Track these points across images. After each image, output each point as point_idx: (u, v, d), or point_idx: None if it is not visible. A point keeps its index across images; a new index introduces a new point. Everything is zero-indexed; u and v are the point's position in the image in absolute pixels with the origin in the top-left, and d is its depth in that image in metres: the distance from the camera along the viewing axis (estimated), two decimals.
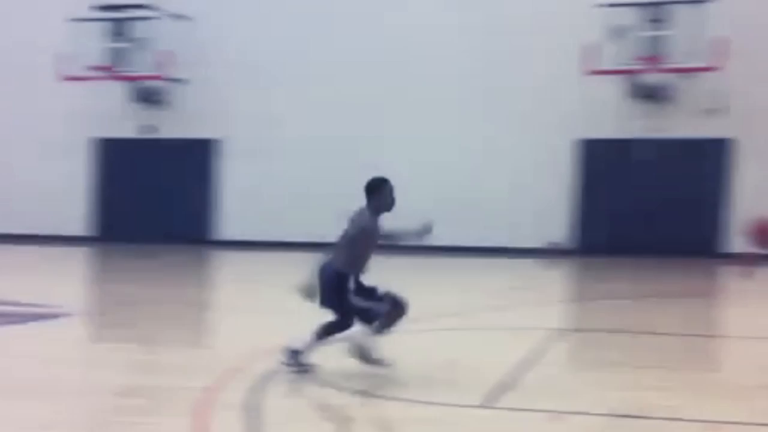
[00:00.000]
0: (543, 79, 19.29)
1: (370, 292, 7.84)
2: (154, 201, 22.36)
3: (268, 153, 21.40)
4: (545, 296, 13.94)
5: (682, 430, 6.43)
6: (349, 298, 7.70)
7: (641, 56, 17.73)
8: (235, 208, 21.83)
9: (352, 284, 7.73)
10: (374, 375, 7.80)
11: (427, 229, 8.11)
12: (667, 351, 9.57)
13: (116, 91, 22.07)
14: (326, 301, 7.75)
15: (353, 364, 7.85)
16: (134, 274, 17.03)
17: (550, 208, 19.48)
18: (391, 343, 8.06)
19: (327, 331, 7.86)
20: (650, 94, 18.68)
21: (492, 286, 15.24)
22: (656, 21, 18.03)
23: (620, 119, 19.03)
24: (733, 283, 16.65)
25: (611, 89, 18.78)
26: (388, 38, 20.40)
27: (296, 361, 7.77)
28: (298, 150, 21.34)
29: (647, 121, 18.85)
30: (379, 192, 7.77)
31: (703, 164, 18.77)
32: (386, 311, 7.76)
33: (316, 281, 7.70)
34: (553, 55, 18.98)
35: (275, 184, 21.38)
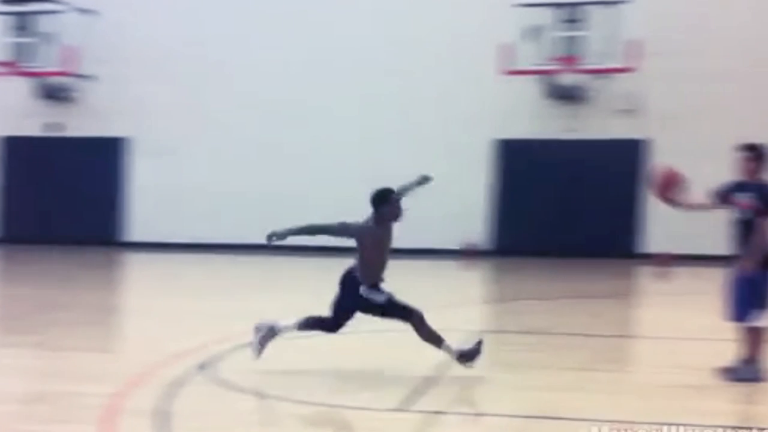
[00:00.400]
0: (460, 79, 19.41)
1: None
2: (61, 201, 21.90)
3: (180, 151, 21.13)
4: (462, 297, 14.03)
5: (595, 430, 6.50)
6: (351, 303, 8.10)
7: (557, 57, 17.95)
8: (145, 208, 21.48)
9: (364, 291, 8.11)
10: (290, 379, 7.74)
11: (425, 179, 9.09)
12: (583, 352, 9.69)
13: (21, 88, 21.57)
14: (336, 300, 8.17)
15: (270, 368, 7.78)
16: (40, 276, 16.66)
17: (467, 208, 19.60)
18: (310, 348, 8.01)
19: (311, 325, 8.16)
20: (566, 95, 18.94)
21: (409, 287, 15.21)
22: (572, 21, 18.26)
23: (537, 119, 19.27)
24: (648, 283, 16.97)
25: (528, 89, 18.99)
26: (304, 34, 20.31)
27: (265, 338, 8.01)
28: (211, 149, 21.11)
29: (563, 121, 19.11)
30: (385, 203, 8.23)
31: (618, 165, 19.08)
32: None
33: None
34: (471, 54, 19.11)
35: (186, 183, 21.11)
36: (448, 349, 8.15)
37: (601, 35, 17.87)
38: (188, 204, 20.99)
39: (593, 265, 17.76)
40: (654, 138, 18.63)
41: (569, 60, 17.80)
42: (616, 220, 19.09)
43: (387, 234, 8.22)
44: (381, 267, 8.25)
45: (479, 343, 8.23)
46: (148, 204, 21.45)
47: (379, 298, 8.16)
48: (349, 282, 8.14)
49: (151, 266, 19.34)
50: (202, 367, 8.20)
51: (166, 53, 21.13)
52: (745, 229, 8.07)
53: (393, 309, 8.19)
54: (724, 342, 8.46)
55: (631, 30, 17.07)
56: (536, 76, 18.67)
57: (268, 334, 8.08)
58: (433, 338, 8.15)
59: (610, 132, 18.95)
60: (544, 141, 19.23)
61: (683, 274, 16.76)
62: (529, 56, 17.99)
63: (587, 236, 18.87)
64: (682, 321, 11.63)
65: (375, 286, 8.18)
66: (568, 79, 18.59)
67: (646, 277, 17.40)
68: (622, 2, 17.32)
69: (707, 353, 9.05)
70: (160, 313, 11.82)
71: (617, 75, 17.88)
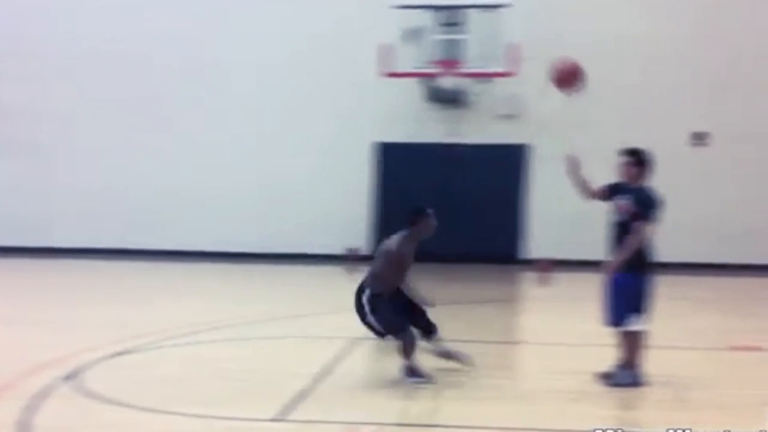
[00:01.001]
0: (341, 81, 19.36)
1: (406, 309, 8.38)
2: None
3: (35, 151, 20.37)
4: (344, 304, 13.89)
5: None
6: (367, 314, 8.24)
7: (437, 60, 18.04)
8: (10, 210, 20.61)
9: (367, 301, 8.27)
10: (165, 389, 7.56)
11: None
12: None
13: None
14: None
15: (144, 377, 7.59)
16: None
17: (349, 213, 19.56)
18: (192, 356, 7.84)
19: (401, 351, 8.21)
20: (447, 99, 19.06)
21: (291, 293, 15.14)
22: (452, 25, 18.36)
23: (418, 123, 19.34)
24: (530, 289, 17.20)
25: (409, 92, 19.05)
26: (180, 32, 19.93)
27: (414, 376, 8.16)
28: (69, 148, 20.43)
29: (445, 125, 19.24)
30: (422, 221, 8.71)
31: (500, 170, 19.32)
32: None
33: None
34: (351, 56, 19.08)
35: (43, 184, 20.42)
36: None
37: (481, 39, 18.02)
38: (43, 206, 20.31)
39: (476, 271, 17.93)
40: (534, 143, 18.90)
41: (449, 63, 17.92)
42: (498, 225, 19.31)
43: (412, 250, 8.56)
44: (395, 281, 8.47)
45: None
46: (12, 206, 20.58)
47: (369, 310, 8.31)
48: (357, 292, 8.39)
49: (8, 273, 18.51)
50: (68, 377, 7.94)
51: (20, 46, 20.35)
52: (621, 232, 8.24)
53: (382, 323, 8.27)
54: (606, 347, 8.60)
55: (511, 34, 17.27)
56: (417, 79, 18.74)
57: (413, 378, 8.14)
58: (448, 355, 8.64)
59: (491, 137, 19.17)
60: (425, 145, 19.31)
61: (565, 280, 17.03)
62: (410, 59, 18.03)
63: (469, 242, 19.03)
64: (565, 327, 11.83)
65: (379, 296, 8.29)
66: (449, 82, 18.73)
67: (528, 283, 17.63)
68: (501, 6, 17.50)
69: (589, 359, 9.20)
70: (21, 322, 11.41)
71: (498, 79, 18.07)
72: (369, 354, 10.28)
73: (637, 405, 8.06)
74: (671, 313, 12.07)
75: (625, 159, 8.41)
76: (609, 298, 8.34)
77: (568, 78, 8.55)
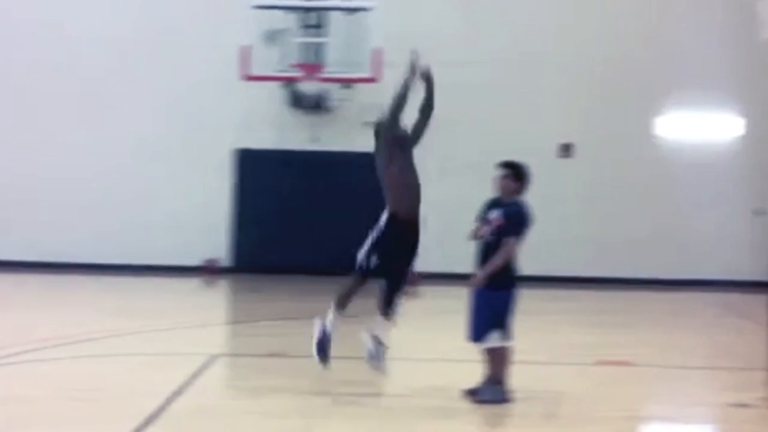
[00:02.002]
0: (200, 84, 19.01)
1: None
2: None
3: None
4: (202, 318, 13.72)
5: None
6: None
7: (299, 63, 17.92)
8: None
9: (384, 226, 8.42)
10: (7, 411, 7.26)
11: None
12: (331, 374, 9.66)
13: None
14: None
15: None
16: None
17: (208, 222, 19.22)
18: (31, 373, 7.55)
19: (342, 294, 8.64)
20: (310, 104, 18.97)
21: (146, 306, 14.80)
22: (313, 27, 18.27)
23: (280, 129, 19.20)
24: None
25: (271, 97, 18.89)
26: (24, 35, 19.29)
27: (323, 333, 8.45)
28: None
29: (308, 131, 19.15)
30: (383, 128, 8.69)
31: (365, 179, 19.18)
32: None
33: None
34: (211, 57, 18.76)
35: None
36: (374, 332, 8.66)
37: (344, 43, 18.00)
38: None
39: (336, 284, 17.73)
40: None
41: (311, 67, 17.82)
42: (364, 237, 19.17)
43: (405, 164, 8.61)
44: (403, 203, 8.56)
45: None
46: None
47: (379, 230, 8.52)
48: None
49: None
50: None
51: None
52: (490, 246, 8.31)
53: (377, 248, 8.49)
54: (474, 363, 8.65)
55: (374, 39, 17.29)
56: (279, 84, 18.59)
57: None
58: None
59: (356, 144, 19.12)
60: (287, 152, 19.17)
61: (432, 293, 17.15)
62: (271, 62, 17.86)
63: (334, 253, 18.85)
64: (431, 342, 11.88)
65: (395, 217, 8.44)
66: (311, 87, 18.63)
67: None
68: (364, 9, 17.49)
69: (457, 375, 9.25)
70: None
71: (361, 85, 18.07)
72: (227, 372, 10.12)
73: (504, 422, 8.15)
74: (540, 328, 12.32)
75: (502, 172, 8.50)
76: (472, 314, 8.43)
77: None
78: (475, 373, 8.61)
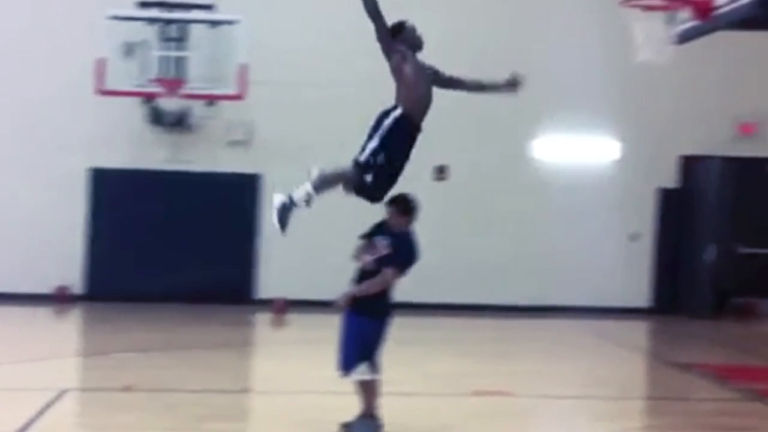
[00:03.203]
0: (52, 98, 18.41)
1: None
2: None
3: None
4: (52, 350, 13.26)
5: None
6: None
7: (158, 78, 17.55)
8: None
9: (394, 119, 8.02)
10: None
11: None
12: (196, 409, 9.44)
13: None
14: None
15: None
16: None
17: (60, 247, 18.61)
18: None
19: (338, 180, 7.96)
20: (171, 121, 18.62)
21: None
22: (175, 40, 17.92)
23: (138, 147, 18.76)
24: (266, 331, 17.05)
25: (128, 113, 18.45)
26: None
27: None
28: None
29: (169, 151, 18.79)
30: (402, 34, 8.25)
31: (230, 201, 19.00)
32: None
33: None
34: (64, 70, 18.22)
35: None
36: None
37: (208, 58, 17.74)
38: None
39: (205, 312, 17.48)
40: (264, 172, 18.77)
41: (172, 83, 17.47)
42: (229, 262, 18.92)
43: (419, 70, 8.25)
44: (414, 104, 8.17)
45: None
46: None
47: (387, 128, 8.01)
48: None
49: None
50: None
51: None
52: (369, 273, 8.24)
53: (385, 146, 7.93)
54: (347, 395, 8.54)
55: (240, 55, 17.07)
56: (138, 99, 18.19)
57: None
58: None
59: (220, 164, 18.88)
60: (147, 172, 18.75)
61: (302, 322, 17.05)
62: (129, 76, 17.45)
63: (197, 280, 18.55)
64: (303, 373, 11.75)
65: (406, 117, 8.06)
66: (172, 104, 18.29)
67: (263, 326, 17.46)
68: (228, 23, 17.24)
69: (329, 407, 9.13)
70: None
71: (228, 103, 17.81)
72: (77, 407, 9.80)
73: None
74: (413, 357, 12.31)
75: (389, 209, 8.42)
76: (342, 343, 8.35)
77: None
78: (345, 405, 8.50)
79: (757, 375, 12.73)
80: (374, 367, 8.30)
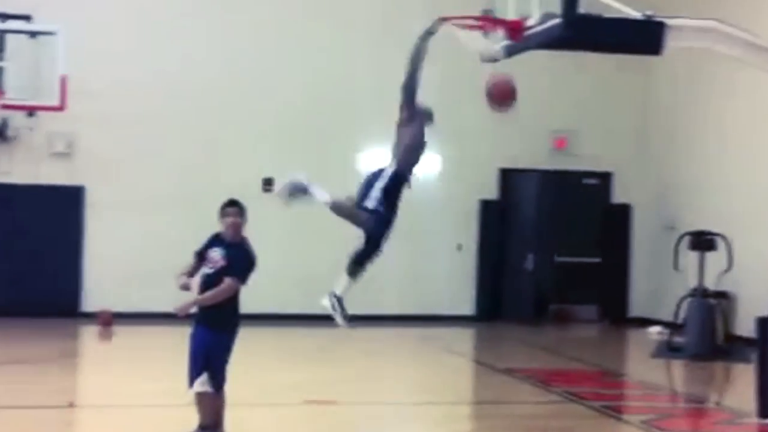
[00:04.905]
0: None
1: None
2: None
3: None
4: None
5: None
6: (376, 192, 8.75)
7: None
8: None
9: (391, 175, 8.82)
10: None
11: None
12: (9, 427, 9.29)
13: None
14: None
15: None
16: None
17: None
18: None
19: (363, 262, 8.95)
20: None
21: None
22: None
23: None
24: (91, 344, 16.75)
25: None
26: None
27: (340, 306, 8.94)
28: None
29: None
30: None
31: (55, 214, 18.63)
32: None
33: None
34: None
35: None
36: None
37: (28, 68, 17.37)
38: None
39: (29, 326, 17.00)
40: (87, 185, 18.56)
41: None
42: (56, 275, 18.52)
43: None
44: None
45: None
46: None
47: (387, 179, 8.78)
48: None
49: None
50: None
51: None
52: (211, 285, 8.30)
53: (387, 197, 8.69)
54: (181, 407, 8.55)
55: (60, 66, 16.77)
56: None
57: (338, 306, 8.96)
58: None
59: (43, 177, 18.54)
60: None
61: (128, 334, 16.86)
62: None
63: (26, 294, 18.14)
64: (133, 386, 11.63)
65: (400, 176, 8.86)
66: None
67: (89, 338, 17.15)
68: (49, 34, 16.91)
69: (161, 420, 9.13)
70: None
71: (49, 114, 17.49)
72: None
73: None
74: (247, 368, 12.35)
75: (231, 210, 8.48)
76: (190, 358, 8.35)
77: (504, 94, 9.18)
78: (181, 418, 8.54)
79: (575, 378, 13.32)
80: (216, 380, 8.35)
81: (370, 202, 8.78)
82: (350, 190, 19.03)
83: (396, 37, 19.29)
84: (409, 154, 9.04)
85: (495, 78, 9.35)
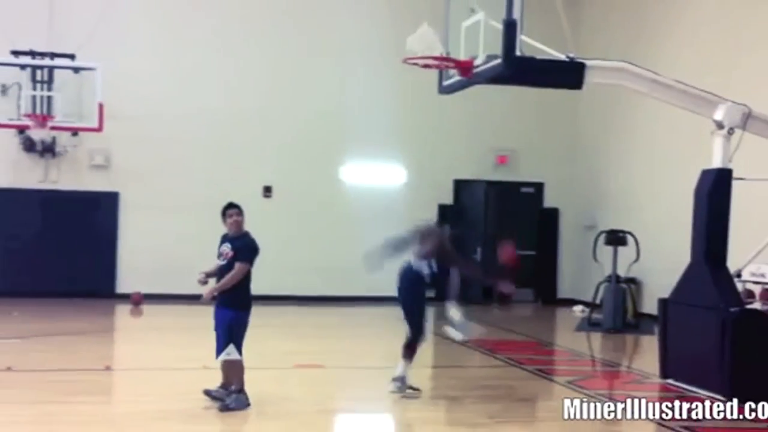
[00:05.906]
0: None
1: None
2: None
3: None
4: None
5: None
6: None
7: (30, 114, 17.16)
8: None
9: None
10: None
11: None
12: (60, 385, 9.27)
13: None
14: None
15: None
16: None
17: None
18: None
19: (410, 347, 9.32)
20: (42, 149, 18.26)
21: None
22: (43, 83, 17.79)
23: (16, 170, 18.22)
24: (125, 319, 16.69)
25: (6, 142, 18.00)
26: None
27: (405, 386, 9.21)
28: None
29: (41, 173, 18.30)
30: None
31: (94, 216, 18.58)
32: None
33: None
34: None
35: None
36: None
37: (71, 98, 17.39)
38: None
39: (74, 305, 16.85)
40: (121, 191, 18.56)
41: (41, 118, 17.10)
42: (93, 263, 18.46)
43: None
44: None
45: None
46: None
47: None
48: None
49: None
50: None
51: None
52: (226, 273, 8.40)
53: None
54: (198, 370, 8.54)
55: (97, 95, 16.73)
56: (14, 131, 17.79)
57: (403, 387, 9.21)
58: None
59: (83, 184, 18.54)
60: (22, 190, 18.19)
61: (156, 311, 16.87)
62: (5, 112, 17.13)
63: (70, 279, 18.10)
64: (160, 352, 11.66)
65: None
66: (42, 134, 17.86)
67: (122, 315, 17.07)
68: (89, 69, 16.89)
69: (183, 381, 9.13)
70: None
71: (88, 134, 17.49)
72: None
73: (223, 419, 8.15)
74: (250, 340, 12.35)
75: (232, 212, 8.54)
76: (216, 333, 8.43)
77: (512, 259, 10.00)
78: (206, 380, 8.52)
79: (515, 347, 13.42)
80: (239, 350, 8.38)
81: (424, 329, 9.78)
82: (334, 197, 19.00)
83: (380, 72, 19.79)
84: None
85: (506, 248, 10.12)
